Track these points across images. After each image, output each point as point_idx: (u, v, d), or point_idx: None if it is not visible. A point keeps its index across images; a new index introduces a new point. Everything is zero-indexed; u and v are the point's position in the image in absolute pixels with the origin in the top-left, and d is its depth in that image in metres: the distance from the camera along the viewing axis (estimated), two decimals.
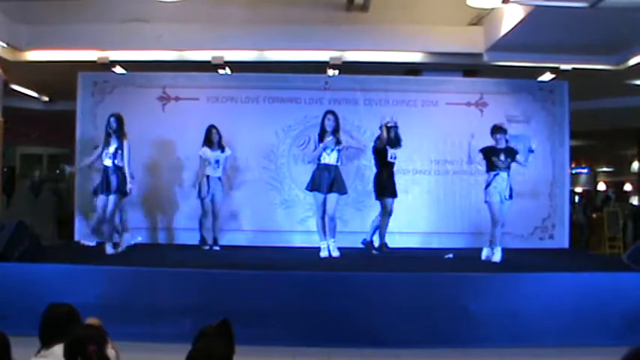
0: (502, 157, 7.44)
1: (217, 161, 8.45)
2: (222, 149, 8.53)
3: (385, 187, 8.21)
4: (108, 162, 7.61)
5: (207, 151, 8.45)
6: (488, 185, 7.51)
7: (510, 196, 7.52)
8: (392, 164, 8.23)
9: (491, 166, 7.55)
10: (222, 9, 8.48)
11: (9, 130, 9.94)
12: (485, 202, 7.56)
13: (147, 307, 6.08)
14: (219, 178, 8.50)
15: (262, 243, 9.28)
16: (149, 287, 6.26)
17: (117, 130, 7.65)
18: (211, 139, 8.45)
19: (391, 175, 8.24)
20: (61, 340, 2.92)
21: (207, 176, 8.44)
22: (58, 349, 2.90)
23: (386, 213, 8.22)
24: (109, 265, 6.71)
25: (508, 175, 7.47)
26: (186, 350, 2.55)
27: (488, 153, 7.57)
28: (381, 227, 8.28)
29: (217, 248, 8.50)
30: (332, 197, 7.69)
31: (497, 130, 7.59)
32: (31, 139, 13.61)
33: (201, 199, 8.51)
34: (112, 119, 7.70)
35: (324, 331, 6.02)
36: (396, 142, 8.19)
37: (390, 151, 8.18)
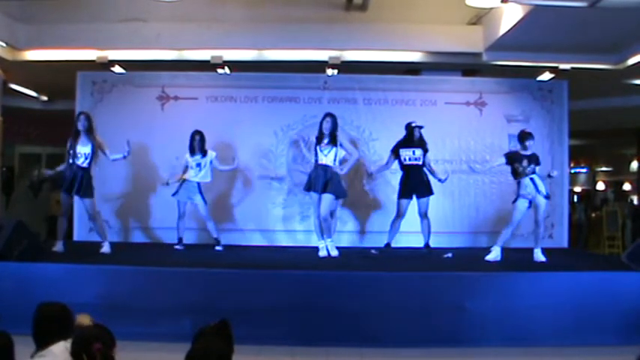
0: (524, 163, 7.47)
1: (199, 165, 8.38)
2: (204, 154, 8.41)
3: (400, 188, 8.21)
4: (82, 162, 7.55)
5: (186, 157, 8.42)
6: (517, 194, 7.53)
7: (546, 196, 7.52)
8: (409, 166, 8.12)
9: (515, 174, 7.60)
10: (221, 8, 8.48)
11: (8, 130, 9.95)
12: (512, 203, 7.63)
13: (147, 307, 6.08)
14: (198, 184, 8.39)
15: (261, 242, 9.28)
16: (149, 287, 6.26)
17: (89, 129, 7.63)
18: (193, 145, 8.38)
19: (410, 176, 8.12)
20: (58, 339, 2.92)
21: (185, 180, 8.38)
22: (56, 348, 2.90)
23: (397, 214, 8.21)
24: (109, 265, 6.71)
25: (533, 179, 7.43)
26: (186, 349, 2.55)
27: (511, 158, 7.63)
28: (391, 227, 8.29)
29: (219, 248, 8.47)
30: (324, 198, 7.70)
31: (526, 136, 7.59)
32: (30, 139, 13.61)
33: (177, 200, 8.45)
34: (82, 117, 7.65)
35: (323, 330, 6.03)
36: (409, 142, 8.14)
37: (403, 152, 8.15)
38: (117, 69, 9.44)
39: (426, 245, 8.23)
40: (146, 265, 6.73)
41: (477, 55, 8.96)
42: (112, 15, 8.58)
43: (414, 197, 8.17)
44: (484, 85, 9.80)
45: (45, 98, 12.24)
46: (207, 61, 9.07)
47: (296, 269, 6.76)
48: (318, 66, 9.22)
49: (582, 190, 21.10)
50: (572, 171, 18.62)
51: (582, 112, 10.99)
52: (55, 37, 8.87)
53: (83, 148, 7.55)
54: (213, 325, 2.73)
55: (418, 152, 8.11)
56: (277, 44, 8.97)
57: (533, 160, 7.55)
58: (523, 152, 7.58)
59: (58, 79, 10.00)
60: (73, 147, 7.56)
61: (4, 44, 8.66)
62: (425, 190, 8.15)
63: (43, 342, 2.97)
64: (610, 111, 11.89)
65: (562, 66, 9.04)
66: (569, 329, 6.08)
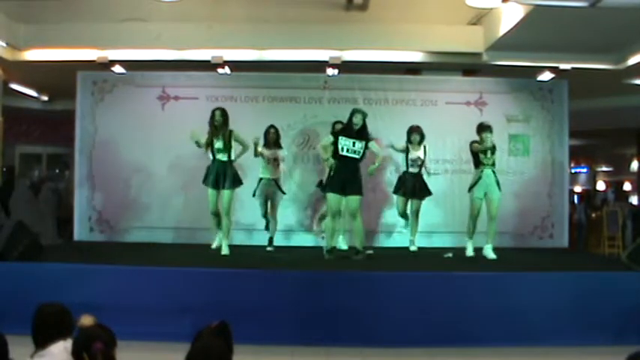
0: (488, 155, 7.78)
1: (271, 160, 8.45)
2: (279, 147, 8.51)
3: (328, 181, 7.48)
4: (221, 156, 7.68)
5: (263, 151, 8.33)
6: (476, 182, 7.83)
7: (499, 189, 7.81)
8: (344, 157, 7.24)
9: (478, 164, 7.86)
10: (221, 8, 8.48)
11: (8, 130, 9.95)
12: (468, 191, 7.95)
13: (147, 307, 6.07)
14: (275, 180, 8.49)
15: (261, 242, 9.27)
16: (149, 287, 6.25)
17: (224, 124, 7.70)
18: (269, 139, 8.36)
19: (343, 169, 7.26)
20: (57, 339, 2.93)
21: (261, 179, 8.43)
22: (55, 348, 2.91)
23: (331, 214, 7.36)
24: (109, 265, 6.71)
25: (493, 172, 7.80)
26: (186, 349, 2.55)
27: (475, 150, 7.93)
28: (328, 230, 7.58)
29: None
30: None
31: (483, 128, 7.82)
32: (30, 139, 13.62)
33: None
34: (217, 113, 7.72)
35: (322, 329, 6.02)
36: (349, 131, 7.32)
37: (342, 142, 7.28)
38: (117, 69, 9.44)
39: (357, 251, 7.45)
40: (146, 265, 6.73)
41: (477, 55, 8.97)
42: (113, 15, 8.58)
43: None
44: (484, 85, 9.81)
45: (45, 98, 12.26)
46: (208, 61, 9.07)
47: (297, 269, 6.76)
48: (319, 66, 9.22)
49: (582, 190, 21.09)
50: (573, 171, 18.62)
51: (582, 112, 10.99)
52: (55, 37, 8.88)
53: (218, 143, 7.67)
54: (212, 327, 2.73)
55: (359, 145, 7.26)
56: (277, 44, 8.98)
57: (494, 151, 7.85)
58: (486, 145, 7.82)
59: (58, 79, 10.01)
60: (212, 143, 7.71)
61: (4, 44, 8.66)
62: (355, 189, 7.28)
63: (42, 342, 2.97)
64: (610, 111, 11.89)
65: (562, 66, 9.04)
66: (569, 329, 6.08)
